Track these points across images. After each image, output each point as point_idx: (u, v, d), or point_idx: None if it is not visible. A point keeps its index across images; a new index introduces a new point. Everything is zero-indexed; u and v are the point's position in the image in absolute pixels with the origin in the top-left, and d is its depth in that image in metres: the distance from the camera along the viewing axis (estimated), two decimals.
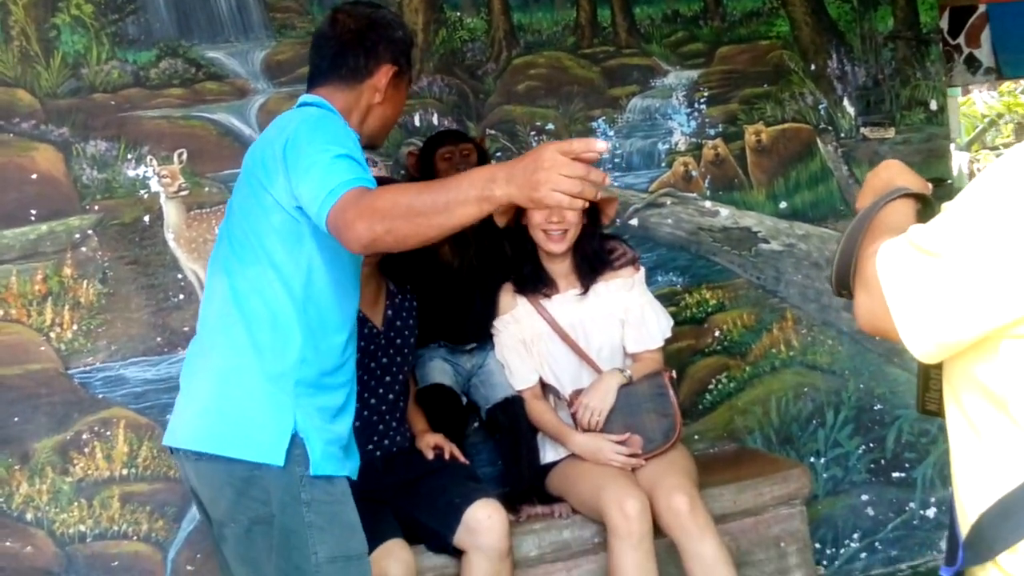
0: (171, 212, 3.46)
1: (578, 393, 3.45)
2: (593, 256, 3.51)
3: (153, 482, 3.43)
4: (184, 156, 3.46)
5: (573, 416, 3.44)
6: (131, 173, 3.42)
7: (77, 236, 3.39)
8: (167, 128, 3.46)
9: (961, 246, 1.36)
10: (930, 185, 1.64)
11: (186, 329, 3.40)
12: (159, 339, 3.43)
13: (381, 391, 3.33)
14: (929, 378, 1.63)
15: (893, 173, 1.69)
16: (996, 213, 1.34)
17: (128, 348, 3.43)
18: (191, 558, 3.44)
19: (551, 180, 1.83)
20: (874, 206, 1.61)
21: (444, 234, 2.06)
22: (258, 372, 2.37)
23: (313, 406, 2.41)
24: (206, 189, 3.48)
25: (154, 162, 3.44)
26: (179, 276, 3.46)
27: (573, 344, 3.49)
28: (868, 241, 1.52)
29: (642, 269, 3.61)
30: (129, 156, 3.42)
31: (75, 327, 3.38)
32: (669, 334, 3.57)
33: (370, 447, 3.29)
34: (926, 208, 1.63)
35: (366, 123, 2.54)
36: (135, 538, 3.41)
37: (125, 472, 3.40)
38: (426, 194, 2.02)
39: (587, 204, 1.94)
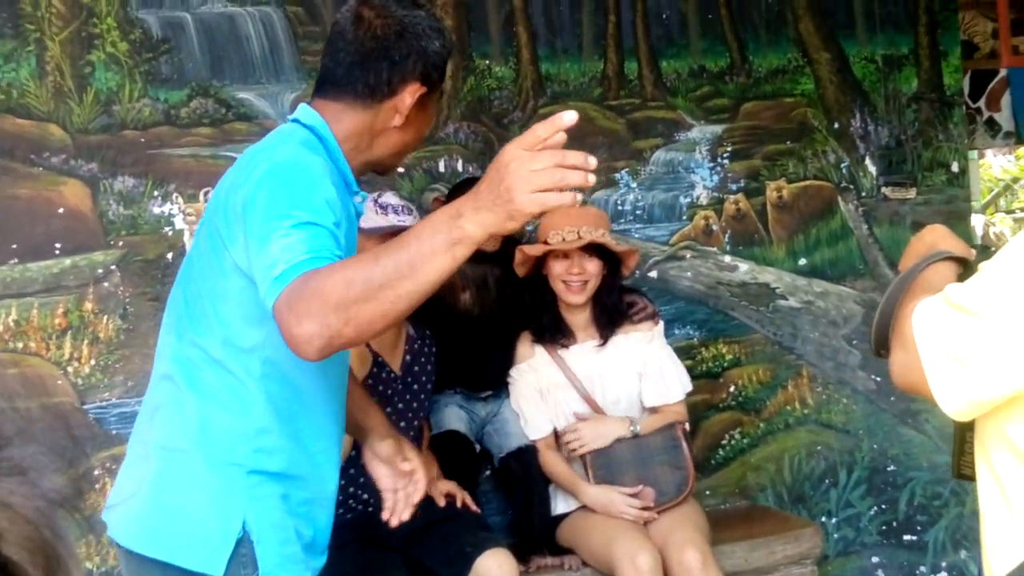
0: None
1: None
2: (612, 308, 3.50)
3: None
4: (210, 195, 3.46)
5: (566, 445, 3.44)
6: (157, 210, 3.44)
7: (100, 271, 3.39)
8: (195, 167, 3.48)
9: (997, 304, 1.37)
10: (973, 251, 1.65)
11: None
12: None
13: None
14: (964, 442, 1.63)
15: (937, 237, 1.70)
16: None
17: (144, 385, 3.33)
18: None
19: (522, 181, 1.50)
20: (915, 267, 1.62)
21: (416, 303, 1.66)
22: (202, 460, 2.01)
23: (276, 495, 2.03)
24: None
25: (180, 200, 3.45)
26: None
27: (587, 396, 3.48)
28: (907, 300, 1.53)
29: (661, 323, 3.60)
30: (156, 193, 3.44)
31: (93, 362, 3.38)
32: (690, 387, 3.57)
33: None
34: (967, 272, 1.64)
35: (374, 147, 2.08)
36: None
37: None
38: (383, 259, 1.63)
39: (580, 198, 1.62)
